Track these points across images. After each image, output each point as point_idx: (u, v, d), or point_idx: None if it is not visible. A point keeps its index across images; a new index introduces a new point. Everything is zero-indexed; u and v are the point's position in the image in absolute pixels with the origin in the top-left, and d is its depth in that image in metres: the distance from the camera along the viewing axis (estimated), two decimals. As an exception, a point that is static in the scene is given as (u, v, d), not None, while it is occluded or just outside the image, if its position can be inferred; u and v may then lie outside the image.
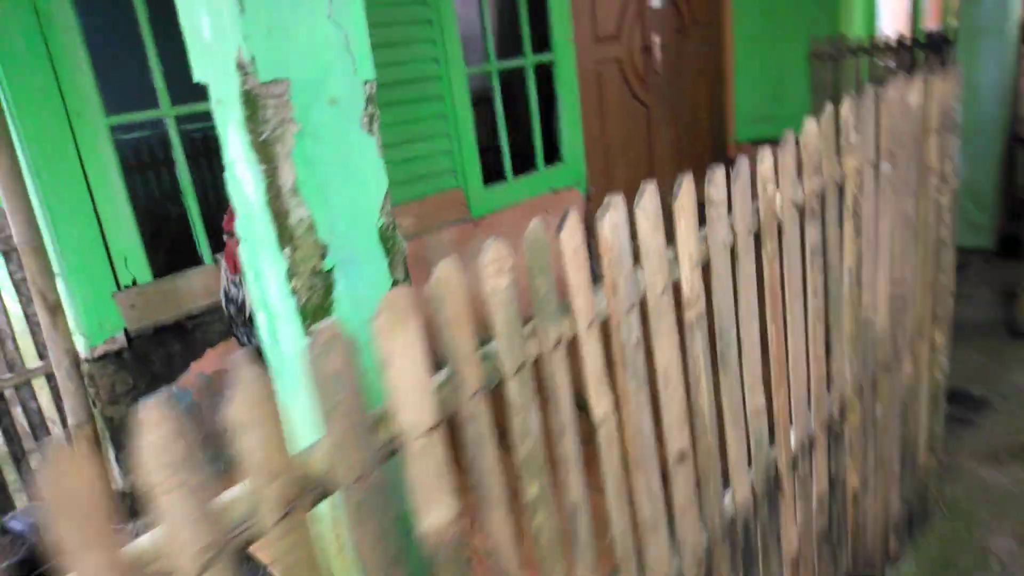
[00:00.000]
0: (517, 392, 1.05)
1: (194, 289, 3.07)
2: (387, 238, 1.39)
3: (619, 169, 5.06)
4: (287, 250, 1.41)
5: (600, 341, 1.18)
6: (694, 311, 1.35)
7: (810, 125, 1.59)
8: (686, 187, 1.31)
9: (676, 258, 1.32)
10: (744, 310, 1.48)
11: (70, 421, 2.89)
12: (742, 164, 1.41)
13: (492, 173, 4.27)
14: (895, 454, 2.15)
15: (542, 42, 4.43)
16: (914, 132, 2.01)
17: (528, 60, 4.33)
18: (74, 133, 2.69)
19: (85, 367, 2.88)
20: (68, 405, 2.86)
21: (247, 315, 2.70)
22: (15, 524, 2.58)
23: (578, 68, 4.61)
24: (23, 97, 2.56)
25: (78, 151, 2.71)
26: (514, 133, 4.40)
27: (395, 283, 1.42)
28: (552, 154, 4.62)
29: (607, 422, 1.19)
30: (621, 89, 4.96)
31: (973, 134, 4.75)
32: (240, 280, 2.68)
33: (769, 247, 1.51)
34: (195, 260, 3.11)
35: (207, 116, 3.29)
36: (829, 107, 1.65)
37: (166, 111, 2.93)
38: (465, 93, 3.97)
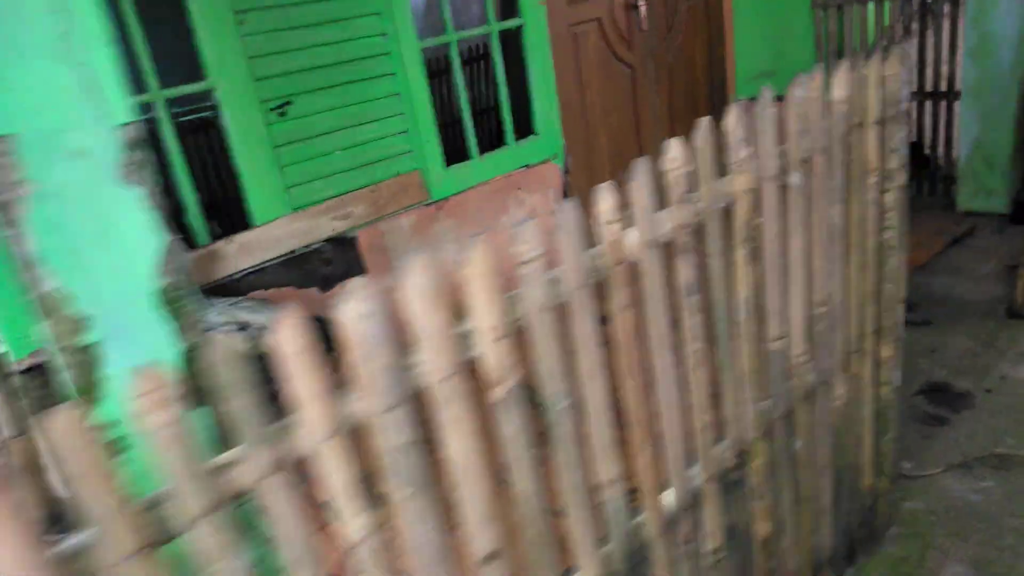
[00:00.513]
0: (208, 539, 0.89)
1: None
2: (171, 300, 1.23)
3: (601, 138, 4.78)
4: (47, 324, 1.27)
5: (349, 451, 1.02)
6: (503, 387, 1.17)
7: (674, 147, 1.36)
8: (483, 246, 1.12)
9: (471, 333, 1.14)
10: (585, 372, 1.29)
11: (4, 433, 2.86)
12: (568, 212, 1.21)
13: (456, 152, 4.06)
14: (825, 485, 1.96)
15: (508, 7, 4.14)
16: (840, 130, 1.75)
17: (492, 27, 4.05)
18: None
19: (17, 379, 2.83)
20: (2, 416, 2.82)
21: None
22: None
23: (551, 32, 4.31)
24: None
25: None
26: (480, 108, 4.16)
27: (190, 348, 1.26)
28: (524, 127, 4.37)
29: (366, 542, 1.03)
30: (601, 51, 4.64)
31: (986, 90, 4.33)
32: None
33: (618, 297, 1.31)
34: (124, 264, 3.00)
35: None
36: (706, 123, 1.42)
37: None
38: (419, 68, 3.73)
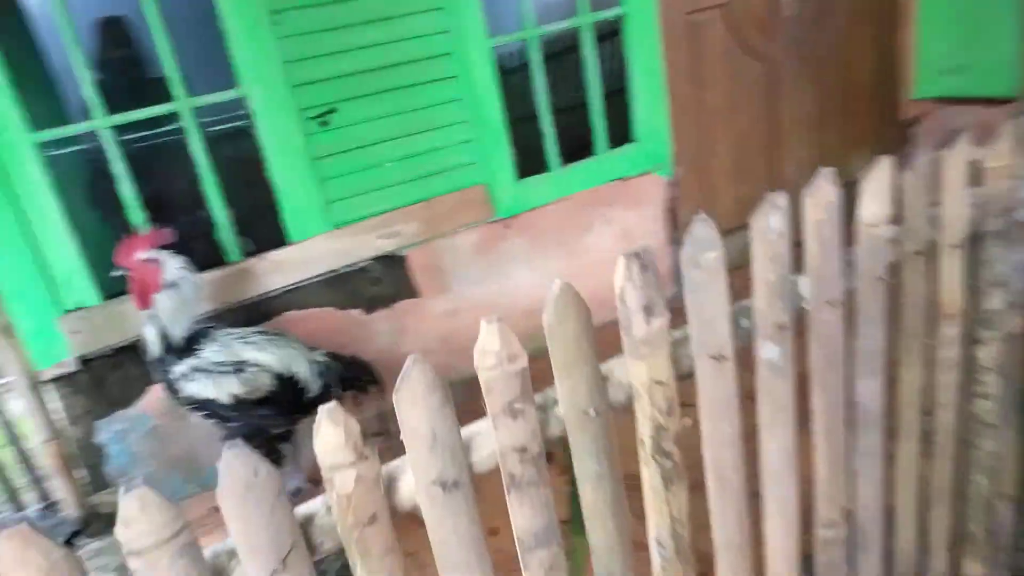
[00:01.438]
0: None
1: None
2: None
3: (722, 144, 4.06)
4: None
5: None
6: None
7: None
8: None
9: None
10: None
11: (37, 438, 2.90)
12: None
13: (531, 164, 3.59)
14: None
15: (606, -6, 3.56)
16: (879, 263, 1.10)
17: (584, 19, 3.50)
18: (4, 150, 2.55)
19: (43, 388, 2.85)
20: (35, 422, 2.85)
21: (157, 350, 2.45)
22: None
23: (662, 22, 3.66)
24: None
25: (13, 169, 2.57)
26: (565, 113, 3.64)
27: None
28: (620, 134, 3.79)
29: None
30: (727, 43, 3.90)
31: None
32: (149, 315, 2.42)
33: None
34: (151, 279, 2.90)
35: (147, 125, 3.00)
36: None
37: (101, 122, 2.69)
38: (489, 69, 3.30)
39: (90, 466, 2.94)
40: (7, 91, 2.52)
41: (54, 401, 2.87)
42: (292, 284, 3.12)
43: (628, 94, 3.75)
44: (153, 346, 2.47)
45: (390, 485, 0.93)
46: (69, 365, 2.81)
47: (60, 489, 2.97)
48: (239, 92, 2.87)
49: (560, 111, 3.62)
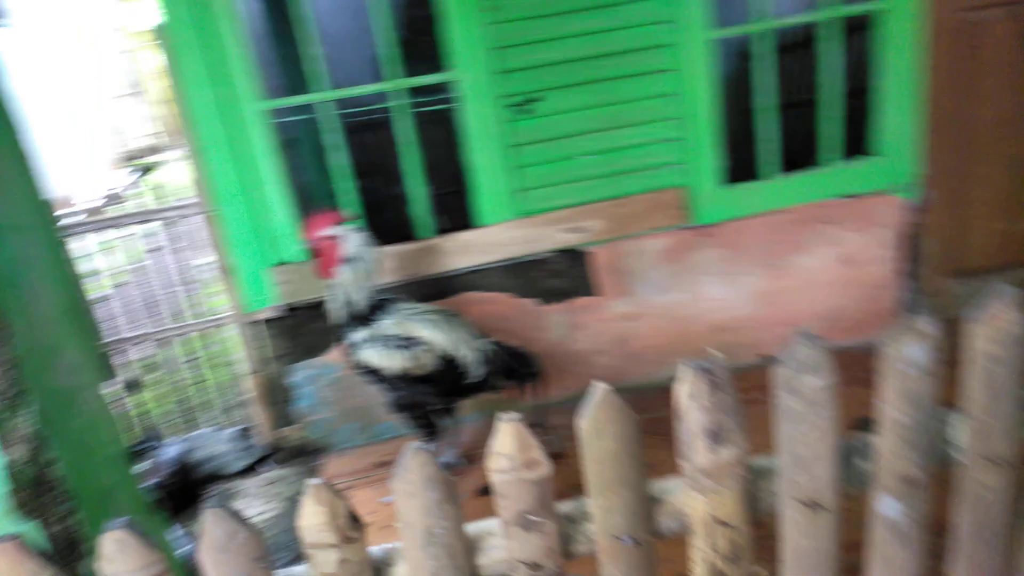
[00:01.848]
0: None
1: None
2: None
3: (990, 168, 3.38)
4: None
5: None
6: None
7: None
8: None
9: None
10: None
11: (245, 368, 3.32)
12: None
13: (740, 170, 3.27)
14: None
15: (862, -15, 3.08)
16: None
17: (834, 12, 3.07)
18: (233, 116, 2.87)
19: (253, 328, 3.23)
20: (244, 355, 3.27)
21: (340, 316, 2.65)
22: (170, 449, 3.11)
23: (932, 19, 3.10)
24: (193, 80, 2.81)
25: (238, 134, 2.90)
26: (790, 116, 3.25)
27: (10, 464, 1.15)
28: (855, 145, 3.31)
29: None
30: (1011, 47, 3.20)
31: None
32: (335, 284, 2.62)
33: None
34: (350, 244, 3.13)
35: (368, 100, 3.17)
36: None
37: (323, 95, 2.91)
38: (706, 65, 3.04)
39: (281, 402, 3.30)
40: (245, 62, 2.81)
41: (259, 341, 3.24)
42: (474, 266, 3.18)
43: (869, 100, 3.25)
44: (335, 311, 2.66)
45: (382, 571, 0.88)
46: (275, 311, 3.14)
47: (256, 417, 3.37)
48: (449, 76, 2.94)
49: (781, 113, 3.24)
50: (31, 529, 1.19)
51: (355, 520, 0.83)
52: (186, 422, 3.50)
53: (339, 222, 2.59)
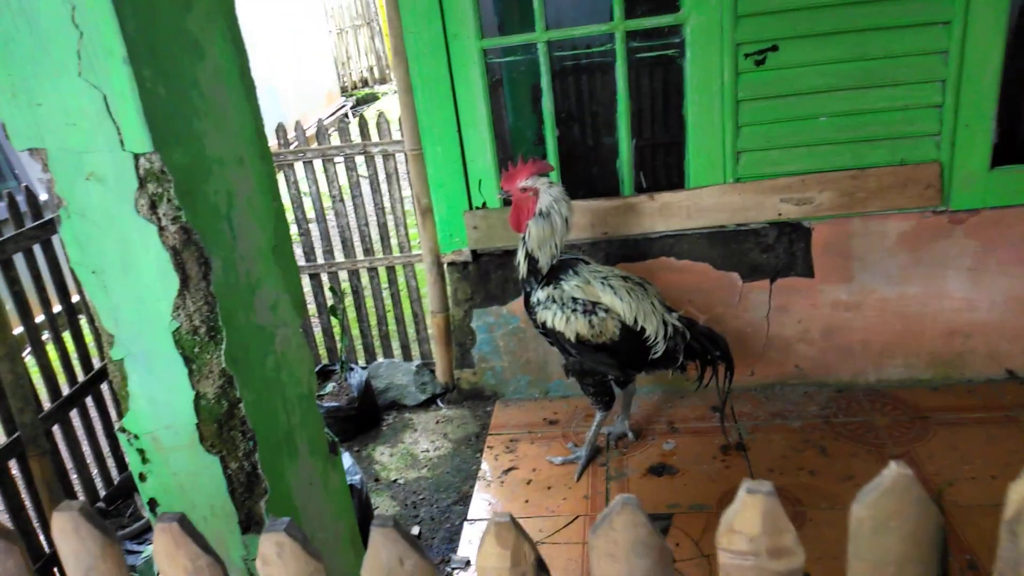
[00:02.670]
0: None
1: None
2: (187, 344, 1.13)
3: None
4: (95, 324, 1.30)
5: None
6: None
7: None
8: None
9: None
10: None
11: (430, 307, 3.36)
12: None
13: (1012, 148, 2.70)
14: None
15: None
16: None
17: None
18: (449, 55, 2.80)
19: (440, 268, 3.23)
20: (430, 294, 3.31)
21: (523, 271, 2.55)
22: (355, 375, 3.24)
23: None
24: (413, 17, 2.76)
25: (451, 73, 2.83)
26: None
27: (198, 397, 1.16)
28: None
29: None
30: None
31: None
32: (523, 238, 2.52)
33: None
34: (547, 194, 2.99)
35: (581, 44, 2.95)
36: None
37: (539, 36, 2.75)
38: (1001, 16, 2.49)
39: (460, 344, 3.30)
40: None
41: (447, 282, 3.24)
42: (675, 231, 2.93)
43: None
44: (521, 267, 2.56)
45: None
46: (465, 255, 3.11)
47: (436, 355, 3.41)
48: (677, 18, 2.65)
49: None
50: (212, 464, 1.18)
51: (542, 569, 0.68)
52: (371, 351, 3.63)
53: (538, 173, 2.44)
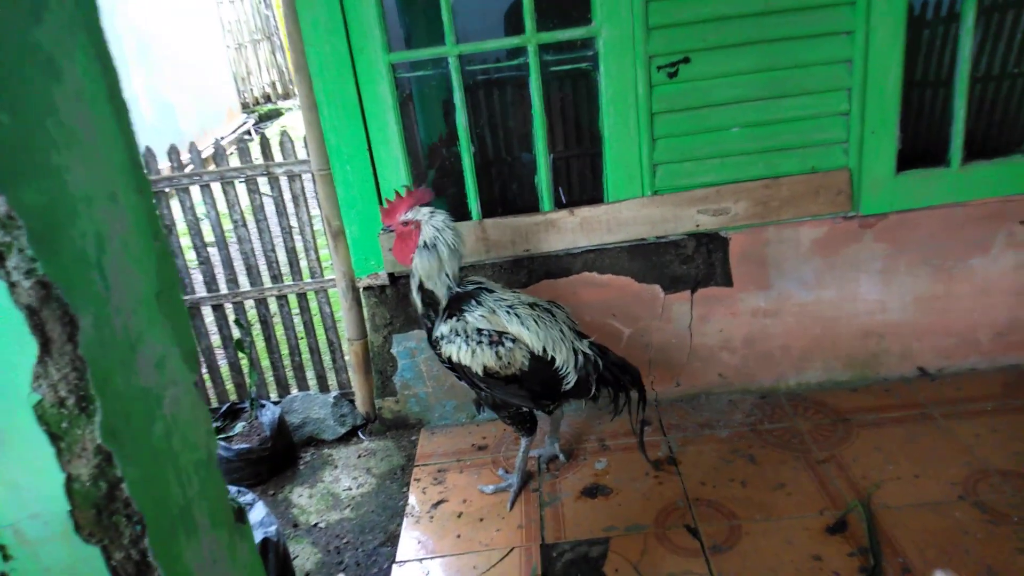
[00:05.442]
0: None
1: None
2: (52, 419, 0.94)
3: None
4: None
5: None
6: None
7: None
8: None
9: None
10: None
11: (347, 334, 3.17)
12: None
13: (919, 153, 2.80)
14: None
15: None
16: None
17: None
18: (355, 70, 2.65)
19: (354, 293, 3.06)
20: (346, 321, 3.12)
21: (419, 306, 2.42)
22: (267, 412, 3.01)
23: None
24: (315, 31, 2.59)
25: (358, 88, 2.68)
26: (988, 91, 2.74)
27: (70, 479, 0.97)
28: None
29: None
30: None
31: None
32: (411, 272, 2.39)
33: None
34: (465, 214, 2.88)
35: (492, 57, 2.87)
36: None
37: (449, 49, 2.64)
38: (898, 26, 2.56)
39: (381, 371, 3.14)
40: (375, 9, 2.56)
41: (362, 307, 3.07)
42: (596, 245, 2.88)
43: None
44: (416, 302, 2.43)
45: None
46: (382, 278, 2.96)
47: (354, 385, 3.23)
48: (590, 31, 2.60)
49: (978, 87, 2.73)
50: (92, 555, 1.00)
51: None
52: (284, 383, 3.41)
53: (418, 203, 2.33)
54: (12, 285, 0.87)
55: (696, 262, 2.91)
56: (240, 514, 1.35)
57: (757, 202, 2.78)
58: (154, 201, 1.16)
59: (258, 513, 2.34)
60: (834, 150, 2.74)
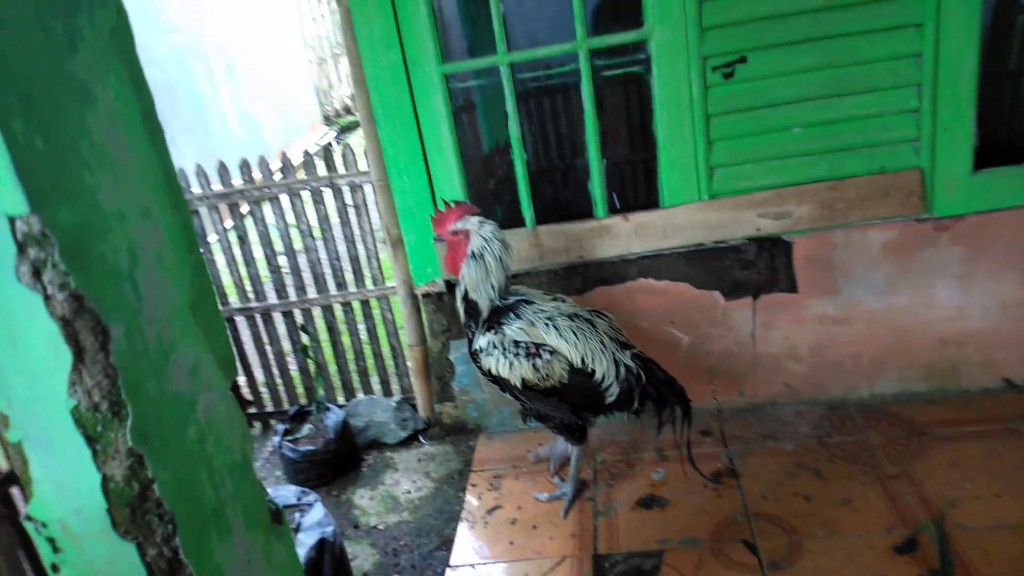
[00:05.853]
0: None
1: (516, 250, 2.90)
2: (88, 423, 1.02)
3: None
4: None
5: None
6: None
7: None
8: None
9: None
10: None
11: (407, 340, 3.24)
12: None
13: (996, 151, 2.62)
14: None
15: None
16: None
17: None
18: (410, 82, 2.71)
19: (414, 300, 3.12)
20: (406, 327, 3.20)
21: (463, 315, 2.44)
22: (331, 415, 3.11)
23: None
24: (371, 45, 2.67)
25: (412, 100, 2.73)
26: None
27: (106, 479, 1.05)
28: None
29: None
30: None
31: None
32: (458, 281, 2.41)
33: None
34: (519, 221, 2.90)
35: (543, 64, 2.87)
36: None
37: (500, 58, 2.66)
38: (974, 17, 2.41)
39: (440, 377, 3.19)
40: (428, 21, 2.61)
41: (422, 314, 3.13)
42: (652, 251, 2.83)
43: None
44: (460, 311, 2.45)
45: None
46: (439, 286, 3.01)
47: (416, 390, 3.29)
48: (641, 34, 2.57)
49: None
50: (128, 551, 1.06)
51: None
52: (350, 387, 3.51)
53: (469, 213, 2.35)
54: (48, 298, 0.94)
55: (758, 267, 2.82)
56: (277, 516, 1.40)
57: (822, 204, 2.67)
58: (188, 215, 1.23)
59: (317, 514, 2.41)
60: (903, 149, 2.60)
